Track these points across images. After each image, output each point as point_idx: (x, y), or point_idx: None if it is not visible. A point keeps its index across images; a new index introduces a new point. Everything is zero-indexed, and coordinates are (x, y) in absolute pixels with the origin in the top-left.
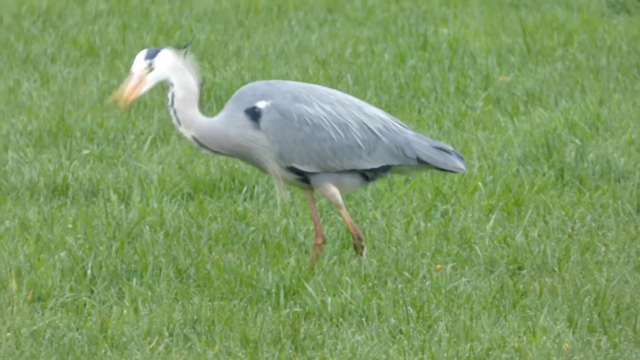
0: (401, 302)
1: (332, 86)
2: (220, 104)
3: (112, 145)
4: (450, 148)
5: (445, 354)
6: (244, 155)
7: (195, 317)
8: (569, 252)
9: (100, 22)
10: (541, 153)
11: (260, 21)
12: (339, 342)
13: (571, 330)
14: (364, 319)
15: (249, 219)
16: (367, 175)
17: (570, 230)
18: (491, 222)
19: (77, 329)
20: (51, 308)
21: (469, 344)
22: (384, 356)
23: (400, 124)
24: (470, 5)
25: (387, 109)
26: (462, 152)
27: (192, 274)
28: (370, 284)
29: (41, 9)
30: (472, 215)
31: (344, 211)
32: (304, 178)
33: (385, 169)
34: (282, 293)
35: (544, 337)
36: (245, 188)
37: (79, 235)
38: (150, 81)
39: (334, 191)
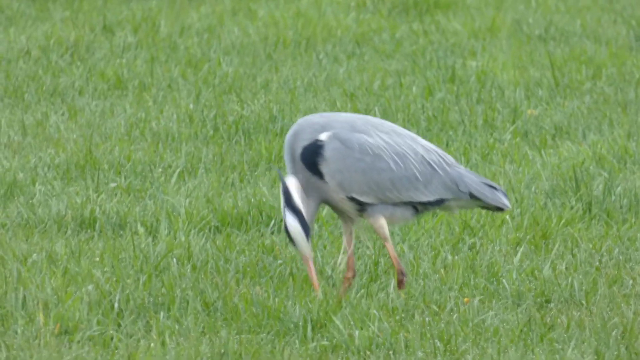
0: (428, 335)
1: None
2: (247, 137)
3: (140, 178)
4: (496, 185)
5: None
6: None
7: (222, 351)
8: (596, 285)
9: (128, 55)
10: (569, 186)
11: (288, 54)
12: None
13: None
14: (391, 352)
15: (277, 252)
16: (418, 208)
17: (597, 263)
18: (518, 255)
19: None
20: (78, 341)
21: None
22: None
23: (453, 160)
24: (499, 38)
25: None
26: None
27: (219, 307)
28: (397, 317)
29: (69, 42)
30: (499, 248)
31: (389, 244)
32: (362, 208)
33: (438, 202)
34: (309, 326)
35: None
36: (273, 221)
37: (106, 269)
38: (309, 263)
39: (383, 223)
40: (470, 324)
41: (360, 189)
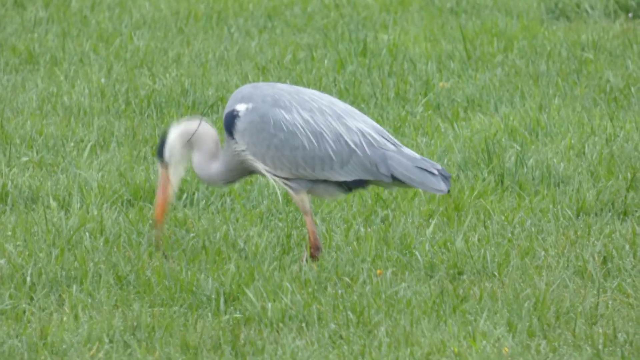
0: (341, 307)
1: None
2: (159, 111)
3: (52, 153)
4: (436, 168)
5: (385, 359)
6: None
7: (135, 324)
8: (508, 256)
9: (40, 30)
10: (481, 158)
11: (200, 28)
12: (279, 348)
13: (511, 334)
14: (304, 324)
15: (189, 225)
16: (343, 186)
17: (510, 235)
18: (431, 227)
19: (17, 336)
20: None
21: (409, 349)
22: None
23: (387, 139)
24: (410, 11)
25: None
26: None
27: (132, 281)
28: (310, 290)
29: None
30: (412, 220)
31: (309, 218)
32: (285, 180)
33: (360, 182)
34: (222, 299)
35: (484, 342)
36: (185, 195)
37: (18, 243)
38: (174, 179)
39: (303, 197)
40: (383, 296)
41: (273, 164)
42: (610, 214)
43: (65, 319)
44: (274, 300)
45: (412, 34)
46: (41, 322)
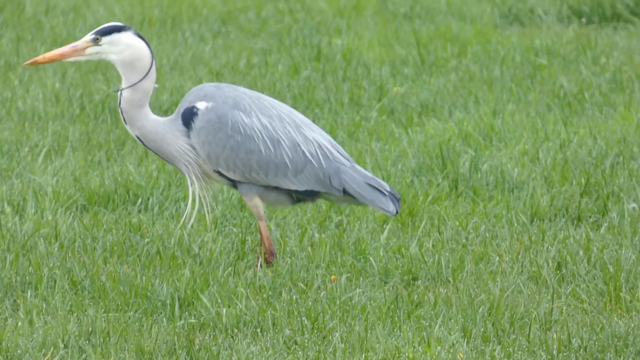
0: (296, 312)
1: None
2: (113, 116)
3: (6, 158)
4: (387, 188)
5: None
6: (176, 165)
7: (90, 329)
8: (463, 262)
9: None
10: (435, 164)
11: (154, 33)
12: (234, 353)
13: (465, 340)
14: (258, 330)
15: (144, 230)
16: (293, 195)
17: (464, 240)
18: (385, 233)
19: None
20: None
21: (364, 355)
22: None
23: (341, 153)
24: (364, 16)
25: None
26: (357, 163)
27: (87, 286)
28: (265, 295)
29: None
30: (366, 226)
31: (263, 224)
32: (234, 184)
33: (311, 193)
34: (177, 304)
35: (439, 347)
36: (140, 200)
37: None
38: (88, 54)
39: (257, 202)
40: (338, 302)
41: (227, 165)
42: (564, 219)
43: (19, 324)
44: (229, 306)
45: (366, 39)
46: None
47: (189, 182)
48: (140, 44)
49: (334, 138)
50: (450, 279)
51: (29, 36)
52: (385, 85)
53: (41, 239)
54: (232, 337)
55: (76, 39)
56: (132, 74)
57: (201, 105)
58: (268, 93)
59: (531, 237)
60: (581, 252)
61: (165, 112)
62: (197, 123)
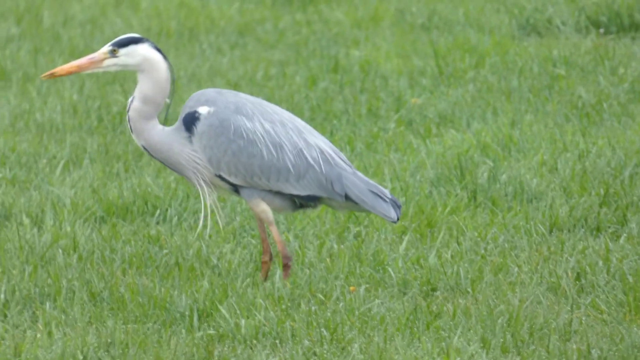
0: (315, 323)
1: None
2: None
3: (25, 169)
4: (388, 195)
5: None
6: (184, 175)
7: (109, 340)
8: (482, 273)
9: (12, 46)
10: (453, 174)
11: (171, 45)
12: None
13: (485, 350)
14: (277, 341)
15: (162, 242)
16: (296, 202)
17: (483, 251)
18: (404, 243)
19: None
20: None
21: None
22: None
23: (342, 160)
24: (381, 27)
25: None
26: (375, 174)
27: (105, 297)
28: (283, 306)
29: None
30: (385, 237)
31: (274, 228)
32: (236, 189)
33: (313, 198)
34: (195, 315)
35: (458, 358)
36: (158, 211)
37: None
38: (106, 66)
39: (265, 207)
40: (357, 313)
41: (228, 170)
42: (583, 230)
43: (39, 335)
44: (248, 317)
45: (384, 50)
46: (15, 340)
47: (199, 190)
48: (158, 56)
49: (352, 149)
50: (469, 290)
51: (46, 48)
52: (403, 96)
53: (60, 250)
54: (251, 348)
55: (94, 51)
56: (146, 86)
57: (203, 110)
58: (286, 104)
59: (550, 248)
60: (600, 263)
61: None
62: (199, 127)
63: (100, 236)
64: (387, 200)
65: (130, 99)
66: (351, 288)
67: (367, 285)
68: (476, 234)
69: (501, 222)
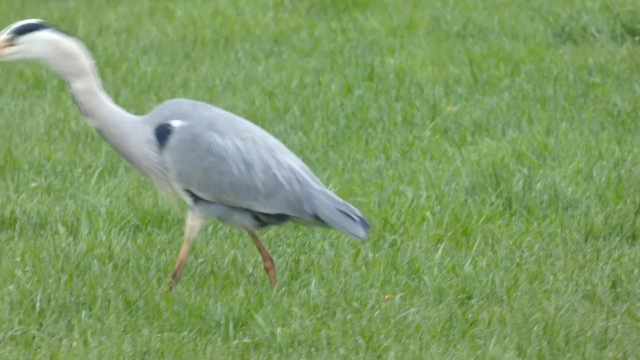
0: (350, 332)
1: (278, 118)
2: None
3: (60, 178)
4: (357, 214)
5: None
6: (133, 164)
7: (144, 349)
8: (517, 281)
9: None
10: (489, 183)
11: (206, 53)
12: None
13: (521, 359)
14: (313, 350)
15: (197, 250)
16: (260, 219)
17: (518, 259)
18: (439, 252)
19: None
20: (0, 341)
21: None
22: None
23: (312, 179)
24: (417, 35)
25: (334, 139)
26: (410, 183)
27: (141, 306)
28: (319, 315)
29: None
30: (420, 245)
31: (186, 247)
32: (196, 201)
33: (280, 217)
34: (231, 324)
35: None
36: None
37: (27, 268)
38: (6, 55)
39: (195, 224)
40: (392, 321)
41: (198, 185)
42: (618, 238)
43: (74, 344)
44: (283, 326)
45: (419, 58)
46: (51, 348)
47: (156, 184)
48: (58, 36)
49: (388, 158)
50: (505, 298)
51: None
52: (438, 105)
53: (95, 259)
54: (287, 356)
55: (128, 60)
56: (65, 66)
57: (176, 124)
58: (321, 112)
59: (585, 256)
60: (636, 271)
61: None
62: (171, 141)
63: (136, 245)
64: (357, 219)
65: (68, 85)
66: (387, 296)
67: (403, 294)
68: (511, 242)
69: (536, 230)
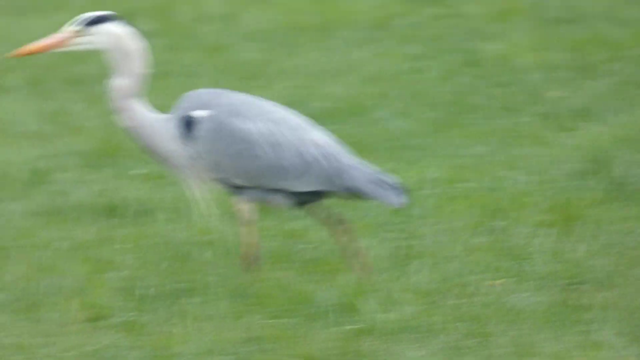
0: (460, 318)
1: (379, 104)
2: None
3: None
4: (389, 183)
5: None
6: (164, 163)
7: (254, 336)
8: (629, 265)
9: (147, 43)
10: (593, 168)
11: (306, 39)
12: (399, 359)
13: (634, 344)
14: (422, 336)
15: (304, 236)
16: (297, 197)
17: (629, 244)
18: (544, 237)
19: (138, 348)
20: (112, 327)
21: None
22: None
23: (341, 153)
24: (517, 21)
25: (435, 126)
26: (510, 168)
27: (250, 292)
28: (428, 300)
29: None
30: (526, 230)
31: (245, 230)
32: (236, 191)
33: (316, 194)
34: (340, 310)
35: (607, 352)
36: None
37: (132, 255)
38: (74, 45)
39: (244, 208)
40: (502, 307)
41: (231, 172)
42: None
43: (187, 330)
44: (392, 311)
45: (520, 43)
46: (162, 335)
47: (187, 183)
48: (128, 31)
49: (488, 144)
50: (616, 283)
51: (181, 44)
52: (539, 90)
53: (202, 245)
54: (396, 342)
55: (227, 47)
56: (121, 62)
57: (200, 114)
58: (422, 98)
59: None
60: None
61: (320, 118)
62: (197, 132)
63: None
64: (389, 187)
65: (109, 81)
66: (495, 282)
67: (511, 279)
68: (621, 226)
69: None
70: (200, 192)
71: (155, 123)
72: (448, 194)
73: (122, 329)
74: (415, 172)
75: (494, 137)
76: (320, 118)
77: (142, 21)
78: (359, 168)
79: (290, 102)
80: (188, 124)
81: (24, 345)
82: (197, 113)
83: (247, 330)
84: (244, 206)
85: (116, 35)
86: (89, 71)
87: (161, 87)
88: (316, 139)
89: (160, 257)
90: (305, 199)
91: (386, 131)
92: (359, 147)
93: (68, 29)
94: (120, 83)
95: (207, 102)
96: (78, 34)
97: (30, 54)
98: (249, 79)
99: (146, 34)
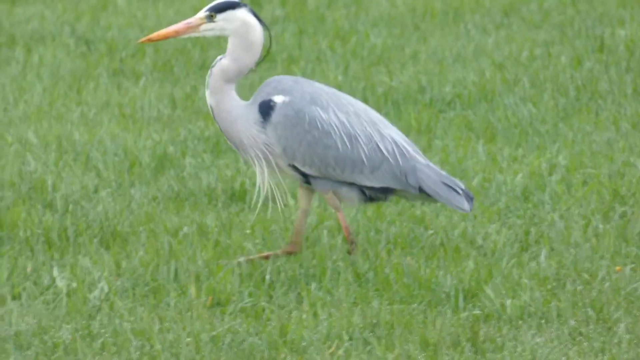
0: (580, 304)
1: (508, 90)
2: (396, 108)
3: None
4: (461, 187)
5: (625, 356)
6: (239, 149)
7: (374, 321)
8: None
9: (277, 28)
10: None
11: (436, 25)
12: (518, 345)
13: None
14: (543, 321)
15: (427, 222)
16: (366, 193)
17: None
18: None
19: (257, 334)
20: (230, 313)
21: None
22: (563, 358)
23: (416, 152)
24: None
25: (564, 111)
26: None
27: (370, 278)
28: (549, 286)
29: None
30: None
31: (341, 214)
32: (307, 180)
33: (385, 190)
34: (461, 296)
35: None
36: None
37: (257, 241)
38: (203, 31)
39: (332, 195)
40: (623, 293)
41: (303, 160)
42: None
43: (304, 316)
44: (513, 297)
45: None
46: (280, 320)
47: (257, 170)
48: (255, 21)
49: (618, 129)
50: None
51: (311, 29)
52: None
53: (325, 231)
54: (517, 328)
55: (357, 32)
56: (240, 48)
57: (279, 99)
58: (550, 85)
59: None
60: None
61: (448, 104)
62: (274, 117)
63: (365, 217)
64: (460, 192)
65: (219, 57)
66: (617, 268)
67: (633, 265)
68: None
69: None
70: (272, 180)
71: (238, 110)
72: (577, 179)
73: (243, 315)
74: (545, 158)
75: (624, 123)
76: (451, 103)
77: (272, 7)
78: (433, 170)
79: (420, 88)
80: (267, 109)
81: (143, 330)
82: (277, 98)
83: (365, 316)
84: (331, 194)
85: (245, 23)
86: (217, 56)
87: (291, 73)
88: (394, 135)
89: (287, 242)
90: (374, 195)
91: (515, 117)
92: (489, 133)
93: (198, 15)
94: (228, 65)
95: (287, 89)
96: (208, 20)
97: (161, 39)
98: (379, 64)
99: (276, 20)
